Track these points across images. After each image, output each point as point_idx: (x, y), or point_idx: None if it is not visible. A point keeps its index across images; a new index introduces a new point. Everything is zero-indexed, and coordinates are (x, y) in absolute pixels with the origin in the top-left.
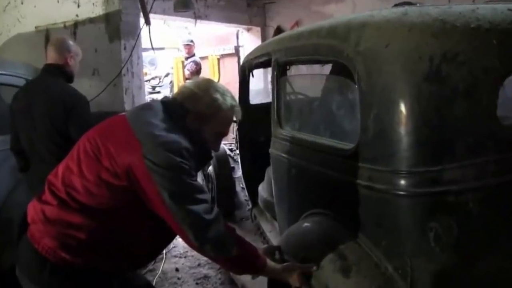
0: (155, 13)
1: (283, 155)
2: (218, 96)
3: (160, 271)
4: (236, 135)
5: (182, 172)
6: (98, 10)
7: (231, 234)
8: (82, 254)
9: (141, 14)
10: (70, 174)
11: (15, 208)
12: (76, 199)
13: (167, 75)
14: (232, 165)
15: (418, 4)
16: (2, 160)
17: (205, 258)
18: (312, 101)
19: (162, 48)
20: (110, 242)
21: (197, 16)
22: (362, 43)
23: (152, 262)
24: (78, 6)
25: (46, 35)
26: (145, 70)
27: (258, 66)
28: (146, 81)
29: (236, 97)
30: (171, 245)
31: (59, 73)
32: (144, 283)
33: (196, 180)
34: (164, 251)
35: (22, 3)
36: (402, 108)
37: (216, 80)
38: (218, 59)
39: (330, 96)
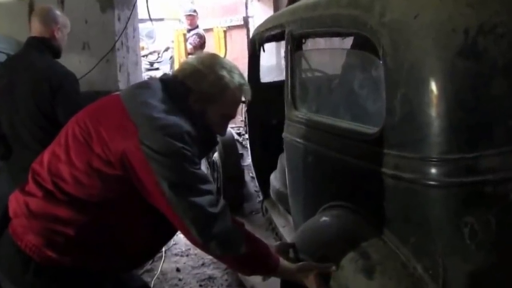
0: None
1: (298, 140)
2: (224, 73)
3: (159, 271)
4: (245, 118)
5: (183, 160)
6: None
7: (240, 230)
8: (71, 253)
9: None
10: (57, 162)
11: None
12: (64, 190)
13: (166, 49)
14: (240, 152)
15: None
16: None
17: (210, 257)
18: (331, 79)
19: (161, 19)
20: (102, 239)
21: None
22: (387, 13)
23: (150, 262)
24: None
25: (29, 4)
26: (142, 44)
27: (270, 39)
28: (143, 56)
29: (245, 74)
30: (172, 242)
31: (44, 47)
32: (140, 285)
33: (199, 169)
34: (163, 249)
35: None
36: (433, 87)
37: (222, 55)
38: (225, 32)
39: (352, 73)
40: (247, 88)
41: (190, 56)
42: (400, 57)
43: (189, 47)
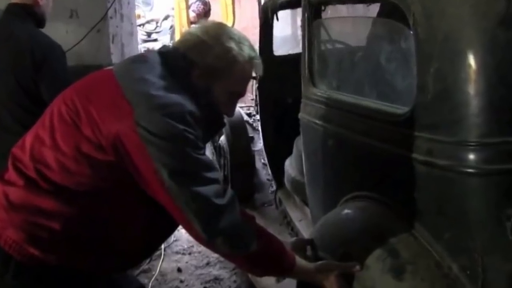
0: None
1: (317, 121)
2: (232, 45)
3: (157, 271)
4: (255, 96)
5: (185, 144)
6: None
7: (250, 224)
8: (56, 250)
9: None
10: (41, 146)
11: None
12: (49, 178)
13: (166, 18)
14: (250, 135)
15: None
16: None
17: (216, 256)
18: (355, 52)
19: None
20: (92, 234)
21: None
22: None
23: (147, 260)
24: None
25: None
26: (138, 11)
27: (284, 6)
28: (139, 25)
29: (256, 46)
30: (172, 238)
31: (26, 15)
32: (136, 287)
33: (204, 154)
34: (162, 246)
35: None
36: (471, 60)
37: (229, 24)
38: None
39: (378, 45)
40: (258, 62)
41: (193, 26)
42: (433, 27)
43: (192, 15)
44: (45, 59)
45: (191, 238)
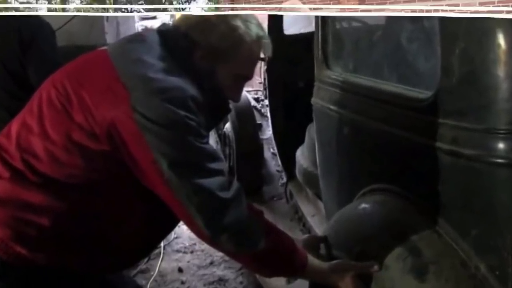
0: None
1: (331, 107)
2: (238, 23)
3: (156, 272)
4: (264, 79)
5: (187, 132)
6: None
7: (258, 220)
8: (45, 248)
9: None
10: (28, 134)
11: None
12: (37, 169)
13: None
14: (258, 122)
15: None
16: None
17: (220, 254)
18: (373, 31)
19: None
20: (84, 231)
21: None
22: None
23: (145, 260)
24: None
25: None
26: None
27: None
28: None
29: (265, 25)
30: (172, 235)
31: None
32: None
33: (207, 143)
34: (162, 244)
35: None
36: (501, 40)
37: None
38: None
39: (398, 23)
40: (267, 41)
41: None
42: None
43: None
44: (33, 39)
45: (193, 235)
